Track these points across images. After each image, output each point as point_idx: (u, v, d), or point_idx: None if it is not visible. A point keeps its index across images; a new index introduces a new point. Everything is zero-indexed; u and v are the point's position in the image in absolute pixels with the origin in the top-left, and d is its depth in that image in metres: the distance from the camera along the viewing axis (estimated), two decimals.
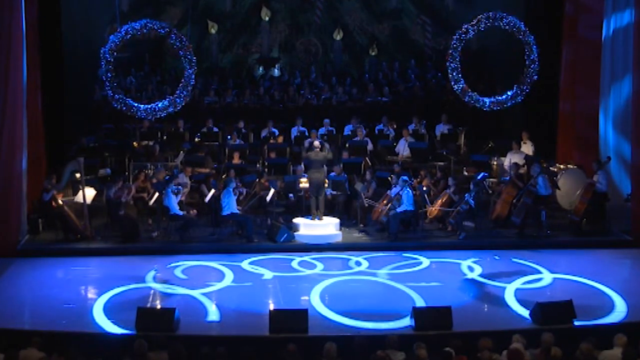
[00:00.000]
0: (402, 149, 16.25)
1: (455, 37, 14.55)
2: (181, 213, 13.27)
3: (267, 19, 21.33)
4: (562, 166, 14.87)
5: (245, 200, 13.80)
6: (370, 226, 14.06)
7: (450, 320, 9.31)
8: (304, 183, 14.12)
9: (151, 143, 16.41)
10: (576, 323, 9.40)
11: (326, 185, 14.00)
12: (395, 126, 17.24)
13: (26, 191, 13.19)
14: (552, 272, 11.83)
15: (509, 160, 15.08)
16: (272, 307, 10.20)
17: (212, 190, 13.69)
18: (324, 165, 13.90)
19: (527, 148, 15.72)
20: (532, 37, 14.51)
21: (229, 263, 12.31)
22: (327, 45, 21.57)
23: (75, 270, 12.02)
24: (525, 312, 9.93)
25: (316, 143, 14.15)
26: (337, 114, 17.98)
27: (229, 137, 16.69)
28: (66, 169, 13.38)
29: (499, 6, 15.38)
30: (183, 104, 14.60)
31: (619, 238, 13.54)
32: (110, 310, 10.08)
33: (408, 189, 13.37)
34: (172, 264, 12.24)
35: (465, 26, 14.48)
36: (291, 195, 14.71)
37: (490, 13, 14.30)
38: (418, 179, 14.47)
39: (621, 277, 11.85)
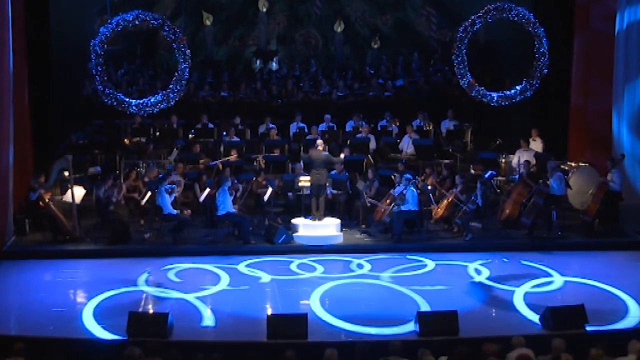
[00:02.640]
0: (406, 146, 16.24)
1: (461, 29, 14.53)
2: (175, 213, 13.26)
3: (264, 9, 21.31)
4: (573, 164, 14.86)
5: (239, 198, 13.76)
6: (373, 227, 14.06)
7: (457, 326, 9.30)
8: (303, 182, 14.10)
9: (143, 140, 16.40)
10: (588, 328, 9.40)
11: (327, 184, 13.98)
12: (398, 123, 17.24)
13: (12, 190, 13.18)
14: (563, 275, 11.83)
15: (517, 158, 15.07)
16: (269, 311, 10.19)
17: (207, 190, 13.68)
18: (326, 166, 13.87)
19: (537, 145, 15.71)
20: (542, 29, 14.50)
21: (225, 265, 12.30)
22: (328, 37, 21.56)
23: (64, 272, 12.02)
24: (534, 317, 9.92)
25: (319, 141, 14.15)
26: (338, 110, 17.99)
27: (224, 133, 16.69)
28: (54, 167, 13.37)
29: None
30: (177, 99, 14.59)
31: (633, 239, 13.54)
32: (100, 315, 10.08)
33: (412, 188, 13.35)
34: (165, 267, 12.23)
35: (472, 17, 14.46)
36: (290, 194, 14.70)
37: (499, 3, 14.28)
38: (422, 177, 14.47)
39: (635, 280, 11.82)
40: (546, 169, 13.87)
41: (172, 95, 14.36)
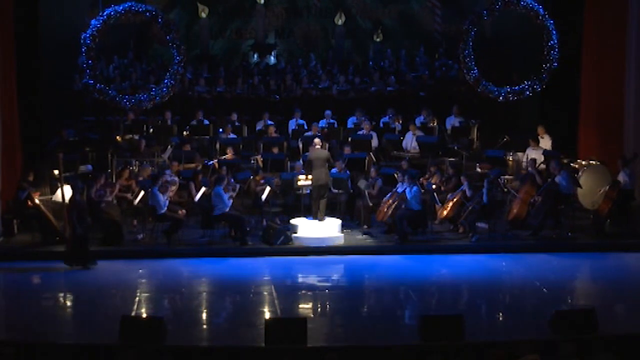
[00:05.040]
0: (410, 143, 16.24)
1: (467, 21, 14.54)
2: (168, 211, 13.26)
3: (262, 1, 21.31)
4: (583, 162, 14.85)
5: (235, 197, 13.77)
6: (375, 227, 14.05)
7: (462, 330, 9.31)
8: (302, 181, 14.08)
9: (136, 137, 16.38)
10: (599, 333, 9.40)
11: (329, 184, 13.94)
12: (400, 122, 17.21)
13: (0, 189, 13.17)
14: (572, 277, 11.84)
15: (526, 157, 15.08)
16: (268, 315, 10.21)
17: (203, 189, 13.68)
18: (326, 164, 13.86)
19: (545, 143, 15.68)
20: (552, 21, 14.50)
21: (221, 267, 12.31)
22: (328, 30, 21.57)
23: (54, 275, 12.03)
24: (543, 321, 9.93)
25: (316, 140, 14.13)
26: (338, 106, 17.98)
27: (220, 130, 16.69)
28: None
29: None
30: (171, 95, 14.59)
31: None
32: (92, 319, 10.09)
33: (414, 186, 13.33)
34: (159, 269, 12.24)
35: (479, 10, 14.47)
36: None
37: None
38: (427, 176, 14.46)
39: None
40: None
41: (166, 91, 14.39)
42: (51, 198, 13.72)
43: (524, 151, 15.47)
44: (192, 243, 13.40)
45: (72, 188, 12.38)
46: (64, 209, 13.18)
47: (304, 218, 13.79)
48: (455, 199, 13.78)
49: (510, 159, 15.71)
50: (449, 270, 12.31)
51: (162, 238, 13.29)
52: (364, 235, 13.84)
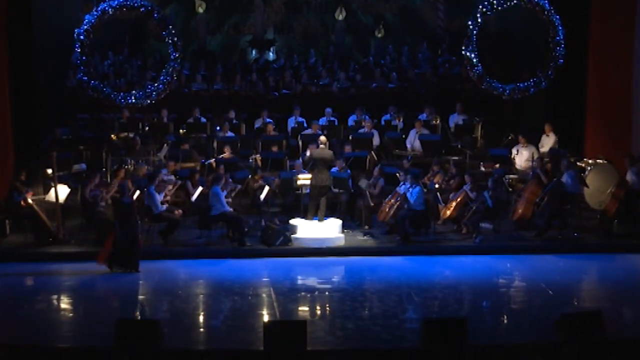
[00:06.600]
0: (413, 141, 16.24)
1: (471, 17, 14.53)
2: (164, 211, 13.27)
3: None
4: (590, 161, 14.87)
5: (233, 197, 13.79)
6: (376, 228, 14.06)
7: (466, 333, 9.32)
8: (302, 180, 14.08)
9: (131, 135, 16.39)
10: (606, 336, 9.41)
11: (330, 185, 13.93)
12: (401, 119, 17.19)
13: None
14: (579, 278, 11.85)
15: (514, 154, 15.14)
16: (266, 318, 10.23)
17: (200, 188, 13.69)
18: (329, 165, 13.84)
19: (550, 141, 15.72)
20: (558, 16, 14.50)
21: (219, 269, 12.32)
22: (328, 26, 21.56)
23: (47, 276, 12.03)
24: (549, 324, 9.94)
25: (322, 138, 14.12)
26: (339, 103, 17.99)
27: (218, 128, 16.70)
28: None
29: None
30: (167, 92, 14.58)
31: None
32: (87, 321, 10.10)
33: (417, 186, 13.34)
34: (155, 270, 12.25)
35: (483, 5, 14.47)
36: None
37: None
38: (429, 175, 14.47)
39: None
40: (559, 166, 13.88)
41: (162, 88, 14.40)
42: (44, 198, 13.73)
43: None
44: (189, 244, 13.41)
45: (121, 190, 12.37)
46: (58, 208, 13.26)
47: (302, 218, 13.81)
48: (458, 199, 13.79)
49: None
50: (452, 272, 12.33)
51: (158, 239, 13.31)
52: (365, 236, 13.85)
